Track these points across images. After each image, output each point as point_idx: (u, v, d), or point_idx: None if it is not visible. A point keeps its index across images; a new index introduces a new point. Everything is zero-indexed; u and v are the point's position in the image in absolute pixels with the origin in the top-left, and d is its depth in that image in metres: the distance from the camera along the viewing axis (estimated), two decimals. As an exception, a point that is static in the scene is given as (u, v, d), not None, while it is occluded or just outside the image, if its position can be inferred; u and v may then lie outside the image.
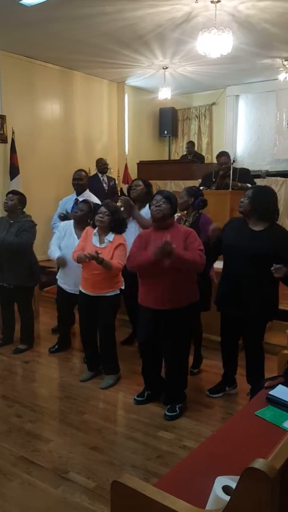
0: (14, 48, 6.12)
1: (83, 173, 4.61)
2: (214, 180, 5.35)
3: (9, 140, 6.26)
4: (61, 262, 4.00)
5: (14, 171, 6.23)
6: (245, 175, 5.38)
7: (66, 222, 4.17)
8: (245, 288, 3.01)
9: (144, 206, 3.94)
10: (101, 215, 3.42)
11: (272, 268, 2.82)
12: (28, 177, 6.44)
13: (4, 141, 6.27)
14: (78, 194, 4.52)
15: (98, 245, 3.43)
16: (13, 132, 6.24)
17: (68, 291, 4.05)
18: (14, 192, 4.24)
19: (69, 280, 4.01)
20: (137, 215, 3.86)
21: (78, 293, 3.84)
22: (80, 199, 4.28)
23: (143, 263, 2.98)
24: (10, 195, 4.17)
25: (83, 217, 3.93)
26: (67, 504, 2.27)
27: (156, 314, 3.05)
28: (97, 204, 4.02)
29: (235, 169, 5.28)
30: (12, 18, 4.94)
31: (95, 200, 4.55)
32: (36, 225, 4.20)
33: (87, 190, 4.62)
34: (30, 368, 3.99)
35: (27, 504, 2.26)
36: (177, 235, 2.99)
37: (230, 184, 4.93)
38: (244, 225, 3.08)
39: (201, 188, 5.10)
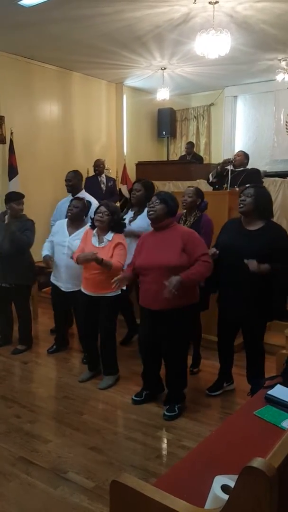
0: (12, 49, 6.12)
1: (72, 173, 4.59)
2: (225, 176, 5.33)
3: (8, 141, 6.25)
4: (47, 261, 4.01)
5: (12, 172, 6.22)
6: (254, 175, 5.37)
7: (61, 220, 4.17)
8: (244, 288, 3.02)
9: (142, 212, 3.96)
10: (100, 214, 3.42)
11: (245, 261, 2.86)
12: (26, 178, 6.43)
13: (3, 141, 6.27)
14: (73, 195, 4.53)
15: (97, 245, 3.44)
16: (11, 133, 6.24)
17: (62, 288, 4.05)
18: (22, 196, 4.21)
19: (61, 278, 4.03)
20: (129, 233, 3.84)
21: (69, 291, 3.88)
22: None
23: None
24: (18, 201, 4.14)
25: (77, 214, 3.94)
26: (66, 504, 2.27)
27: (155, 314, 3.05)
28: (89, 202, 4.07)
29: (244, 170, 5.30)
30: (10, 19, 4.94)
31: (91, 199, 4.55)
32: (34, 223, 4.22)
33: (83, 191, 4.61)
34: (29, 369, 3.99)
35: (26, 505, 2.27)
36: (173, 237, 2.99)
37: (229, 180, 4.94)
38: (239, 226, 3.09)
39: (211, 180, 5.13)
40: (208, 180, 5.32)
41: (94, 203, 4.35)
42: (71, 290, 3.95)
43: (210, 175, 5.28)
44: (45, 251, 4.04)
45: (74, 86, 7.38)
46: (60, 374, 3.89)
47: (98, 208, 3.51)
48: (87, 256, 3.30)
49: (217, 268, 3.11)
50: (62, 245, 3.94)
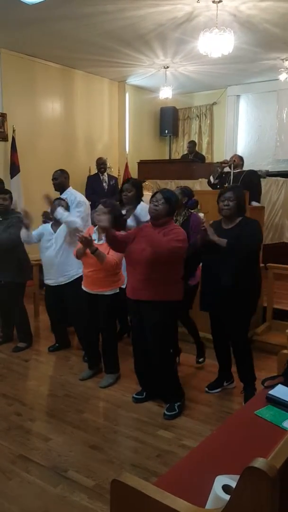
0: (16, 47, 6.12)
1: (59, 172, 4.63)
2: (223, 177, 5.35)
3: (10, 139, 6.25)
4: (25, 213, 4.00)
5: (14, 169, 6.23)
6: (252, 175, 5.38)
7: (43, 225, 4.18)
8: (219, 285, 3.07)
9: (135, 208, 3.98)
10: (98, 213, 3.43)
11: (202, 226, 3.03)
12: (28, 176, 6.43)
13: (5, 139, 6.27)
14: (61, 193, 4.56)
15: (96, 242, 3.45)
16: (13, 131, 6.24)
17: (52, 284, 4.08)
18: (4, 192, 4.27)
19: (52, 273, 4.06)
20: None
21: (62, 283, 3.96)
22: (63, 197, 4.31)
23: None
24: (2, 195, 4.19)
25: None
26: (66, 502, 2.27)
27: (137, 305, 3.08)
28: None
29: (242, 171, 5.30)
30: (13, 17, 4.94)
31: (79, 196, 4.56)
32: (20, 218, 4.21)
33: (70, 188, 4.62)
34: (30, 367, 3.99)
35: (26, 503, 2.27)
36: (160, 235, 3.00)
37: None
38: (219, 226, 3.18)
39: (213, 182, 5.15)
40: (209, 182, 5.33)
41: (82, 200, 4.40)
42: (63, 283, 4.02)
43: (211, 177, 5.30)
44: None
45: (76, 84, 7.37)
46: (60, 372, 3.89)
47: (97, 206, 3.53)
48: (85, 237, 3.29)
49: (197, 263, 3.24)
50: (49, 242, 4.01)
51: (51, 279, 4.10)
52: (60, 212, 3.94)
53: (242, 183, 5.07)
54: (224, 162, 5.27)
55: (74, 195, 4.42)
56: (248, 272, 3.10)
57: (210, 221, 3.28)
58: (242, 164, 5.40)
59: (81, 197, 4.52)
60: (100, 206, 3.46)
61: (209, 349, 3.91)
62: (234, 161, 5.24)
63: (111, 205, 3.51)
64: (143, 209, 3.95)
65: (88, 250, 3.34)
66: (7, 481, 2.43)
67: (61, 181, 4.58)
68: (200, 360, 3.89)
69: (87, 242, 3.29)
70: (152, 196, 3.12)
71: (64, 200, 4.14)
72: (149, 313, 3.04)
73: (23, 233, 4.00)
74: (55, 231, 4.02)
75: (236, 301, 3.07)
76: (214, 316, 3.33)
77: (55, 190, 4.66)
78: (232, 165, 5.13)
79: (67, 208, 4.08)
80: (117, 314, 3.70)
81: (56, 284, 4.07)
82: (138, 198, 4.01)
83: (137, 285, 3.04)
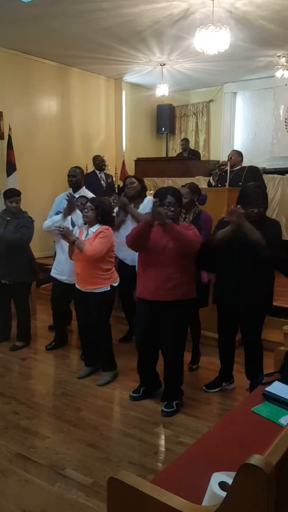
0: (11, 44, 6.10)
1: (78, 170, 4.61)
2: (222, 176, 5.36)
3: (6, 137, 6.24)
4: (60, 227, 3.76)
5: (10, 167, 6.21)
6: (255, 172, 5.40)
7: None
8: (240, 282, 3.04)
9: (141, 202, 3.98)
10: (86, 210, 3.45)
11: (223, 216, 2.96)
12: (24, 174, 6.42)
13: (1, 137, 6.25)
14: (74, 191, 4.52)
15: (84, 238, 3.44)
16: (9, 129, 6.22)
17: (63, 281, 4.05)
18: (17, 194, 4.16)
19: (64, 269, 4.01)
20: (132, 210, 3.89)
21: (72, 283, 3.84)
22: (76, 195, 4.27)
23: (138, 230, 2.99)
24: (15, 198, 4.11)
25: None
26: (64, 500, 2.27)
27: (152, 306, 3.05)
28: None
29: (243, 168, 5.31)
30: (9, 14, 4.92)
31: (91, 196, 4.54)
32: (34, 221, 4.20)
33: (83, 187, 4.61)
34: (27, 365, 3.99)
35: (24, 501, 2.26)
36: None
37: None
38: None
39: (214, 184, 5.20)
40: (209, 183, 5.36)
41: None
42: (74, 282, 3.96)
43: (211, 179, 5.34)
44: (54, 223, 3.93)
45: (73, 82, 7.36)
46: (58, 370, 3.89)
47: (84, 204, 3.55)
48: (63, 228, 3.33)
49: (215, 258, 3.14)
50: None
51: (61, 275, 4.06)
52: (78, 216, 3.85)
53: (245, 181, 5.08)
54: (222, 164, 5.27)
55: (88, 195, 4.37)
56: (266, 270, 3.05)
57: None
58: (242, 160, 5.39)
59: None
60: (88, 204, 3.47)
61: (209, 346, 3.92)
62: (231, 158, 5.24)
63: (99, 201, 3.53)
64: (150, 201, 3.94)
65: (74, 246, 3.35)
66: (5, 479, 2.43)
67: (79, 179, 4.57)
68: (194, 366, 3.85)
69: (65, 233, 3.32)
70: (160, 198, 2.96)
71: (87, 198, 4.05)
72: (169, 313, 3.01)
73: (54, 220, 3.93)
74: (73, 226, 3.89)
75: (256, 299, 3.04)
76: (228, 314, 3.25)
77: (70, 186, 4.62)
78: (229, 163, 5.13)
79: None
80: (110, 312, 3.67)
81: (66, 282, 4.02)
82: (142, 190, 4.01)
83: (159, 285, 2.98)
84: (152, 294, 3.03)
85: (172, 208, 2.96)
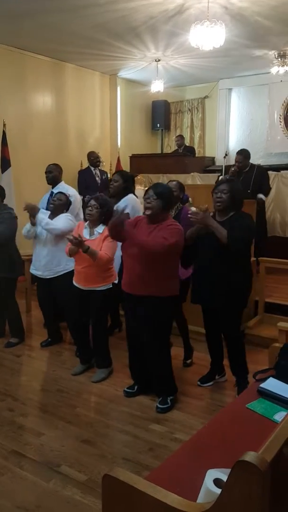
0: (5, 40, 6.05)
1: (53, 166, 4.66)
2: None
3: (0, 132, 6.19)
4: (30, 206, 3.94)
5: (5, 164, 6.17)
6: (264, 175, 5.43)
7: (45, 211, 4.14)
8: (212, 278, 3.07)
9: (120, 200, 3.99)
10: (90, 208, 3.43)
11: (189, 213, 3.00)
12: (19, 170, 6.39)
13: (-5, 133, 6.21)
14: (53, 187, 4.56)
15: (88, 237, 3.43)
16: (4, 125, 6.18)
17: (39, 276, 4.07)
18: None
19: (41, 265, 4.03)
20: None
21: (49, 277, 3.96)
22: (55, 191, 4.30)
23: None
24: None
25: (59, 207, 3.98)
26: (59, 497, 2.27)
27: (134, 300, 3.06)
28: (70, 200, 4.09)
29: (252, 166, 5.33)
30: (3, 9, 4.88)
31: (70, 190, 4.57)
32: (15, 217, 4.18)
33: (62, 182, 4.63)
34: (22, 362, 3.98)
35: (19, 498, 2.26)
36: (159, 231, 2.98)
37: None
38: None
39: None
40: None
41: (73, 193, 4.42)
42: (50, 276, 4.01)
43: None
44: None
45: (67, 78, 7.32)
46: (53, 367, 3.88)
47: (89, 201, 3.52)
48: (76, 239, 3.27)
49: (193, 255, 3.19)
50: (42, 234, 3.97)
51: (37, 271, 4.09)
52: (40, 218, 3.88)
53: (254, 182, 5.11)
54: (233, 174, 5.27)
55: (66, 189, 4.42)
56: (240, 266, 3.09)
57: (202, 209, 3.17)
58: (249, 160, 5.40)
59: (73, 191, 4.54)
60: (92, 202, 3.44)
61: (201, 342, 3.92)
62: (240, 163, 5.27)
63: (103, 200, 3.50)
64: (127, 201, 3.95)
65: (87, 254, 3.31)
66: (-1, 476, 2.43)
67: (55, 175, 4.60)
68: (188, 361, 3.86)
69: (77, 243, 3.26)
70: (145, 193, 3.08)
71: (64, 194, 4.09)
72: (143, 308, 3.03)
73: (26, 228, 3.99)
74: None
75: (228, 295, 3.07)
76: (206, 309, 3.33)
77: (48, 183, 4.66)
78: (236, 167, 5.20)
79: (67, 202, 4.05)
80: (109, 310, 3.68)
81: (42, 277, 4.05)
82: (125, 190, 4.01)
83: (133, 279, 3.02)
84: (130, 287, 3.06)
85: (148, 201, 2.98)
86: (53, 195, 4.15)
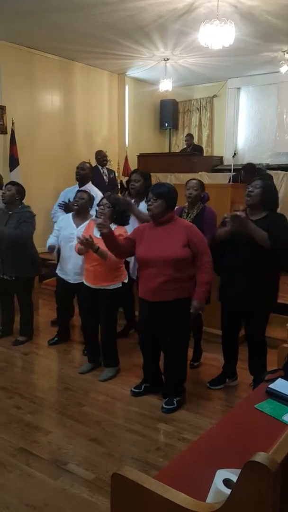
0: (14, 38, 6.07)
1: (87, 164, 4.66)
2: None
3: (9, 131, 6.22)
4: (51, 250, 4.02)
5: (13, 162, 6.20)
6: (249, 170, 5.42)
7: (65, 215, 4.15)
8: (242, 279, 3.03)
9: (143, 198, 3.96)
10: (102, 207, 3.42)
11: (225, 216, 3.00)
12: (27, 169, 6.41)
13: (4, 132, 6.24)
14: (81, 185, 4.54)
15: (98, 236, 3.43)
16: (12, 123, 6.20)
17: (68, 281, 4.03)
18: (12, 183, 4.25)
19: (68, 270, 4.01)
20: (135, 210, 3.82)
21: (77, 282, 3.87)
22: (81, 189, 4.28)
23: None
24: (8, 185, 4.17)
25: (83, 206, 3.92)
26: (67, 495, 2.27)
27: (154, 305, 3.04)
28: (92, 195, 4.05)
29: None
30: (12, 8, 4.90)
31: (97, 192, 4.55)
32: (35, 215, 4.19)
33: (90, 183, 4.62)
34: (30, 360, 3.99)
35: (27, 495, 2.27)
36: (174, 232, 2.98)
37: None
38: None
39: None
40: None
41: (99, 195, 4.36)
42: (79, 281, 3.93)
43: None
44: (49, 241, 4.04)
45: (75, 76, 7.33)
46: (60, 365, 3.89)
47: (100, 200, 3.50)
48: (86, 239, 3.27)
49: (221, 255, 3.13)
50: (70, 238, 3.89)
51: (65, 275, 4.03)
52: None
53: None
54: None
55: (95, 192, 4.35)
56: (272, 267, 3.04)
57: (241, 209, 3.16)
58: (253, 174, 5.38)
59: (100, 194, 4.48)
60: (104, 201, 3.43)
61: (212, 343, 3.92)
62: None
63: (115, 199, 3.49)
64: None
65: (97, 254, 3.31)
66: (7, 474, 2.44)
67: (86, 173, 4.59)
68: (195, 364, 3.84)
69: (88, 244, 3.26)
70: (147, 196, 3.08)
71: (85, 191, 4.05)
72: (170, 312, 3.01)
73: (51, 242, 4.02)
74: (77, 225, 3.91)
75: (258, 297, 3.02)
76: (229, 311, 3.25)
77: (77, 179, 4.64)
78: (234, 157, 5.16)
79: (92, 200, 3.98)
80: (118, 308, 3.69)
81: (71, 282, 4.00)
82: (146, 189, 3.97)
83: (157, 287, 2.96)
84: (152, 295, 3.03)
85: (149, 203, 2.99)
86: (75, 195, 4.05)
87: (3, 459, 2.56)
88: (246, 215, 2.99)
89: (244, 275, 3.02)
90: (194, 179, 3.76)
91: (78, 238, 3.31)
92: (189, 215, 3.60)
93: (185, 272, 2.98)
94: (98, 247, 3.27)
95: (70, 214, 4.04)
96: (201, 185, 3.68)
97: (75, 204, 3.93)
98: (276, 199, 3.15)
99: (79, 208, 3.93)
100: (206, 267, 2.97)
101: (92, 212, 3.96)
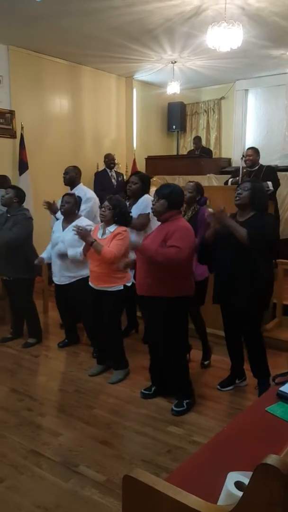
0: (23, 43, 6.12)
1: (71, 167, 4.70)
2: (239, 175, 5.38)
3: (18, 136, 6.27)
4: (39, 263, 4.17)
5: (23, 166, 6.24)
6: (272, 173, 5.41)
7: (57, 221, 4.21)
8: (232, 279, 3.06)
9: (137, 200, 4.03)
10: (103, 209, 3.48)
11: (206, 215, 3.08)
12: (36, 173, 6.45)
13: (13, 136, 6.28)
14: (71, 188, 4.60)
15: (100, 237, 3.46)
16: (22, 128, 6.25)
17: (56, 282, 4.11)
18: (12, 187, 4.38)
19: (56, 272, 4.09)
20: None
21: (64, 283, 3.98)
22: (76, 193, 4.34)
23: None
24: (8, 189, 4.29)
25: (69, 209, 3.99)
26: (78, 497, 2.28)
27: (145, 301, 3.10)
28: (79, 197, 4.14)
29: (261, 166, 5.31)
30: (21, 13, 4.93)
31: (89, 192, 4.61)
32: (30, 218, 4.24)
33: (81, 184, 4.67)
34: (39, 362, 4.02)
35: (38, 497, 2.29)
36: (163, 230, 3.02)
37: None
38: (233, 218, 3.14)
39: (230, 180, 5.32)
40: (226, 183, 5.41)
41: (91, 196, 4.49)
42: (65, 283, 4.02)
43: (229, 182, 5.37)
44: (43, 254, 4.18)
45: (84, 80, 7.36)
46: (70, 368, 3.91)
47: (103, 203, 3.57)
48: (80, 228, 3.38)
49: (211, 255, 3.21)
50: (57, 241, 4.00)
51: (54, 277, 4.13)
52: (73, 255, 3.86)
53: (264, 180, 5.09)
54: (245, 174, 5.28)
55: (84, 191, 4.45)
56: (261, 266, 3.05)
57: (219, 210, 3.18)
58: (259, 159, 5.40)
59: (91, 194, 4.58)
60: (106, 203, 3.48)
61: (220, 345, 3.91)
62: (250, 157, 5.25)
63: (117, 201, 3.52)
64: (144, 201, 3.97)
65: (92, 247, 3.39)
66: (19, 475, 2.45)
67: (71, 176, 4.64)
68: (206, 362, 3.85)
69: (83, 234, 3.34)
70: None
71: (73, 194, 4.14)
72: (152, 309, 3.07)
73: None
74: (64, 228, 3.99)
75: (249, 296, 3.04)
76: (227, 311, 3.30)
77: (65, 184, 4.70)
78: (243, 159, 5.16)
79: (78, 203, 4.07)
80: (121, 311, 3.70)
81: (58, 282, 4.09)
82: (143, 192, 4.03)
83: (142, 281, 3.07)
84: (139, 288, 3.10)
85: (153, 203, 3.08)
86: (61, 199, 4.12)
87: (15, 461, 2.58)
88: (225, 213, 3.08)
89: (234, 273, 3.06)
90: (191, 181, 3.89)
91: (75, 227, 3.39)
92: (185, 216, 3.68)
93: (164, 270, 2.95)
94: (94, 240, 3.35)
95: (60, 220, 4.12)
96: (197, 188, 3.78)
97: (61, 209, 4.02)
98: (265, 200, 3.19)
99: (65, 212, 4.01)
100: (166, 251, 2.89)
101: (81, 213, 4.12)
